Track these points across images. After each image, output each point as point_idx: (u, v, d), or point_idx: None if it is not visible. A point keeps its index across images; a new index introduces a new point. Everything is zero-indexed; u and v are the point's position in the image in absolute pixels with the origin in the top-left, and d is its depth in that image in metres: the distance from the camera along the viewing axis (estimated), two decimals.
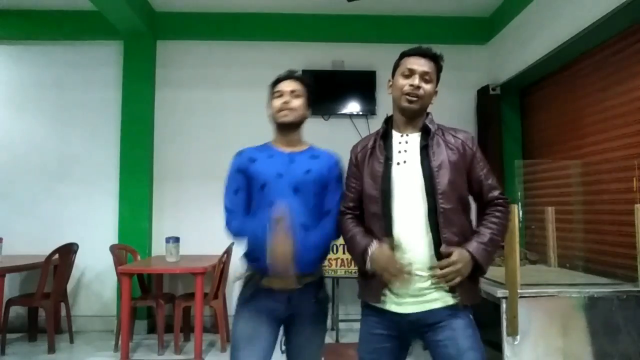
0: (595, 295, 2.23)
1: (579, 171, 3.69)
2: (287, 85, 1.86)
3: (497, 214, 1.61)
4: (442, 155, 1.58)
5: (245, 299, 1.80)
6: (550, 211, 3.01)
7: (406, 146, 1.64)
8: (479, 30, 4.91)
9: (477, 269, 1.55)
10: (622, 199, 3.21)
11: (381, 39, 4.84)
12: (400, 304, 1.58)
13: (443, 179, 1.55)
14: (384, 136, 1.69)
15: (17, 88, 4.82)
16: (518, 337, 2.15)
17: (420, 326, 1.58)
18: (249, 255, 1.81)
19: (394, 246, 1.56)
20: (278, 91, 1.86)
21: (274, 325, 1.79)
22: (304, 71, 4.79)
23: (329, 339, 1.78)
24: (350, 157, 1.77)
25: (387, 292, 1.60)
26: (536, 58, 3.96)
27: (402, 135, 1.66)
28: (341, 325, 4.23)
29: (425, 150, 1.60)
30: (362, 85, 4.85)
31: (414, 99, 1.60)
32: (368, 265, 1.58)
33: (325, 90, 4.84)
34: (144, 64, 4.74)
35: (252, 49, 4.84)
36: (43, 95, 4.80)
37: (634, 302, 2.23)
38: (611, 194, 3.39)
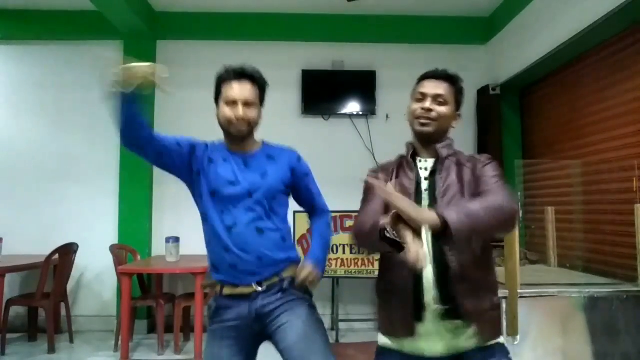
0: (595, 295, 2.23)
1: (579, 171, 3.69)
2: (242, 91, 1.67)
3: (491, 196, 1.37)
4: (450, 179, 1.47)
5: (211, 315, 1.75)
6: (550, 211, 3.01)
7: (425, 173, 1.53)
8: (479, 30, 4.91)
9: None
10: (622, 199, 3.21)
11: (381, 39, 4.81)
12: (431, 343, 1.38)
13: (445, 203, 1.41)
14: (413, 156, 1.57)
15: (17, 88, 4.82)
16: (518, 337, 2.15)
17: None
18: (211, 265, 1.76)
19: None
20: (232, 99, 1.67)
21: (242, 345, 1.69)
22: (303, 71, 4.81)
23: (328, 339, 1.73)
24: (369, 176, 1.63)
25: (421, 323, 1.38)
26: (536, 58, 3.96)
27: (420, 161, 1.56)
28: (341, 325, 4.23)
29: (432, 176, 1.50)
30: (362, 85, 4.83)
31: (426, 121, 1.53)
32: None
33: (325, 90, 4.84)
34: None
35: (252, 49, 4.83)
36: (43, 95, 4.80)
37: (634, 302, 2.23)
38: (611, 194, 3.39)
